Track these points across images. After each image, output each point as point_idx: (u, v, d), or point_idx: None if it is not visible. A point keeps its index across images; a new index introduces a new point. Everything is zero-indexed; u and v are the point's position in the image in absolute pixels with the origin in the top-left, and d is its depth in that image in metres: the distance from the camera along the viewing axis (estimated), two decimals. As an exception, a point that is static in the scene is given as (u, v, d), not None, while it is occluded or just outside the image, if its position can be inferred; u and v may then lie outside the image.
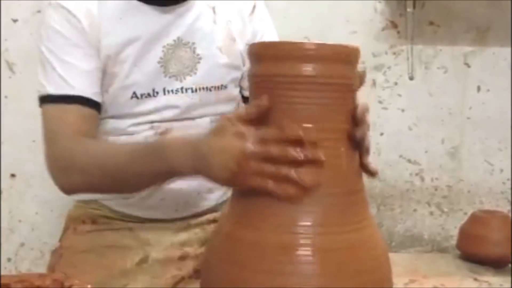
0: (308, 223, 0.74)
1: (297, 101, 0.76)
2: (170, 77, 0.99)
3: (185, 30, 0.99)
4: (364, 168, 0.77)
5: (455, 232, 1.53)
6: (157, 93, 0.98)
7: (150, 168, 0.79)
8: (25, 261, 1.58)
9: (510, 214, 1.51)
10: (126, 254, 1.01)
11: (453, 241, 1.56)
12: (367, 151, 0.77)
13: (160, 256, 1.02)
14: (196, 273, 1.01)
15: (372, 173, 0.77)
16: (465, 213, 1.58)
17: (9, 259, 1.57)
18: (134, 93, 0.97)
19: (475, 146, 1.66)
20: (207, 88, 1.01)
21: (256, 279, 0.73)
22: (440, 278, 1.29)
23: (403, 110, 1.65)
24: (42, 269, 1.38)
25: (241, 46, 1.02)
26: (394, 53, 1.62)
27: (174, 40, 0.98)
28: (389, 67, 1.63)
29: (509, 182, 1.66)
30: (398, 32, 1.61)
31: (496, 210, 1.50)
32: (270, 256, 0.73)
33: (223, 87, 1.02)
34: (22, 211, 1.56)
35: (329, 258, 0.73)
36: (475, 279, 1.30)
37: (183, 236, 1.04)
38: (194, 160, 0.73)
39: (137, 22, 0.97)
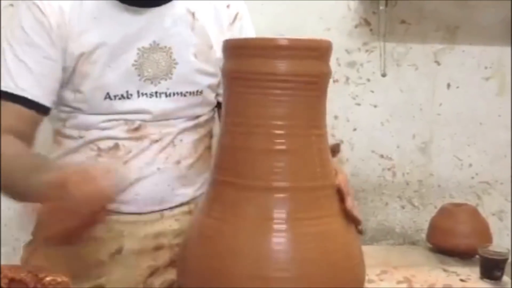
0: (282, 216, 0.76)
1: (270, 98, 0.77)
2: (145, 80, 0.98)
3: (161, 34, 0.99)
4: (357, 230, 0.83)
5: (426, 226, 1.56)
6: (131, 95, 0.98)
7: (24, 183, 0.86)
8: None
9: (477, 207, 1.54)
10: (100, 245, 1.01)
11: (424, 234, 1.59)
12: (359, 221, 0.82)
13: (134, 247, 1.02)
14: (172, 263, 1.01)
15: (361, 233, 0.85)
16: (436, 207, 1.61)
17: (-19, 255, 1.55)
18: (108, 94, 0.97)
19: (445, 142, 1.70)
20: (181, 93, 1.01)
21: (231, 269, 0.75)
22: (410, 269, 1.32)
23: (375, 106, 1.68)
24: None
25: (218, 54, 1.01)
26: (367, 50, 1.65)
27: (150, 44, 0.98)
28: (361, 64, 1.65)
29: (478, 176, 1.71)
30: (371, 30, 1.64)
31: (464, 203, 1.54)
32: (243, 247, 0.75)
33: (198, 92, 1.03)
34: (-5, 206, 1.54)
35: (302, 247, 0.75)
36: (444, 270, 1.34)
37: (157, 227, 1.04)
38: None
39: (112, 22, 0.96)
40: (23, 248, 1.09)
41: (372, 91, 1.67)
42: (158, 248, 1.04)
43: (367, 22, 1.64)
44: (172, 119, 1.02)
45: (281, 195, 0.76)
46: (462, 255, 1.41)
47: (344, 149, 1.67)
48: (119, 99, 0.98)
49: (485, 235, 1.44)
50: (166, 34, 0.99)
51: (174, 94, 1.01)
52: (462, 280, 1.28)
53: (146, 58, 0.98)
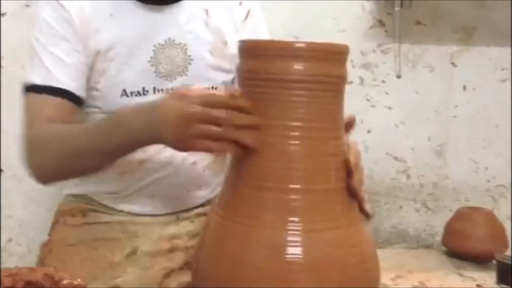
0: (296, 219, 0.75)
1: (286, 100, 0.77)
2: (160, 76, 0.99)
3: (176, 30, 1.00)
4: (362, 212, 0.80)
5: (440, 229, 1.55)
6: (147, 91, 0.99)
7: (113, 141, 0.84)
8: (12, 257, 1.57)
9: (494, 211, 1.53)
10: (115, 246, 1.01)
11: (438, 238, 1.58)
12: (363, 198, 0.80)
13: (149, 248, 1.02)
14: (187, 265, 1.01)
15: (368, 217, 0.81)
16: (450, 210, 1.60)
17: (-4, 255, 1.56)
18: (124, 90, 0.98)
19: (460, 144, 1.68)
20: None
21: (246, 274, 0.74)
22: (425, 273, 1.31)
23: (390, 108, 1.66)
24: (30, 265, 1.37)
25: (232, 50, 1.01)
26: (382, 52, 1.64)
27: (165, 40, 0.99)
28: (376, 66, 1.64)
29: (494, 179, 1.69)
30: (386, 31, 1.62)
31: (481, 207, 1.53)
32: (258, 251, 0.74)
33: (213, 89, 1.03)
34: (10, 206, 1.55)
35: (317, 253, 0.75)
36: (460, 275, 1.33)
37: (172, 229, 1.04)
38: (148, 124, 0.78)
39: (128, 20, 0.97)
40: (40, 248, 1.09)
41: (387, 93, 1.66)
42: (172, 250, 1.04)
43: (382, 23, 1.63)
44: None
45: (296, 197, 0.76)
46: (478, 260, 1.40)
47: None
48: (136, 95, 0.98)
49: (502, 239, 1.42)
50: (181, 31, 1.00)
51: None
52: (478, 286, 1.26)
53: (162, 54, 0.98)
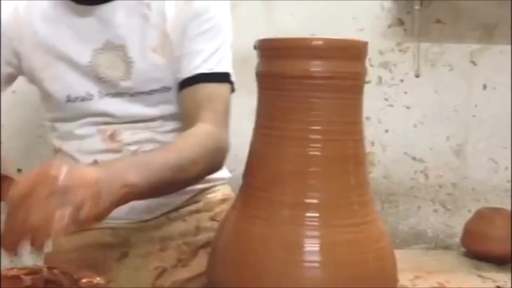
0: (315, 217, 0.75)
1: (305, 100, 0.75)
2: (104, 81, 0.95)
3: (114, 32, 0.94)
4: None
5: (459, 230, 1.53)
6: (92, 95, 0.96)
7: None
8: (24, 256, 1.58)
9: (514, 212, 1.50)
10: (107, 251, 1.00)
11: (457, 239, 1.56)
12: None
13: (140, 250, 1.01)
14: (180, 263, 1.01)
15: None
16: (469, 211, 1.58)
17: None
18: (68, 96, 0.96)
19: (480, 144, 1.66)
20: (146, 92, 0.95)
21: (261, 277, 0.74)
22: (444, 275, 1.29)
23: (408, 108, 1.65)
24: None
25: (175, 41, 0.94)
26: (401, 51, 1.62)
27: (103, 44, 0.94)
28: (395, 64, 1.63)
29: (514, 180, 1.67)
30: (405, 30, 1.61)
31: (501, 208, 1.51)
32: (274, 252, 0.74)
33: (166, 89, 0.96)
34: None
35: (334, 252, 0.74)
36: (479, 276, 1.31)
37: (164, 231, 1.02)
38: None
39: (63, 24, 0.94)
40: (44, 256, 1.10)
41: (405, 92, 1.64)
42: (164, 248, 1.02)
43: (401, 22, 1.61)
44: (146, 121, 0.98)
45: (314, 201, 0.75)
46: (498, 261, 1.38)
47: (376, 151, 1.65)
48: (81, 100, 0.96)
49: (522, 241, 1.40)
50: (119, 31, 0.94)
51: (138, 94, 0.96)
52: (498, 287, 1.24)
53: (102, 59, 0.94)
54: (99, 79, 0.95)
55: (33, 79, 0.99)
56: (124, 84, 0.95)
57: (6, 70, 0.98)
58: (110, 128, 0.98)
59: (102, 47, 0.94)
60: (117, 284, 0.97)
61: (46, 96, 0.99)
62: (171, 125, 1.00)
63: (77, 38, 0.95)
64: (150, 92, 0.96)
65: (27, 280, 0.68)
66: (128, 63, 0.94)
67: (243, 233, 0.78)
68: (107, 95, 0.96)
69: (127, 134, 0.98)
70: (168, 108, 0.98)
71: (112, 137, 0.98)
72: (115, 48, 0.94)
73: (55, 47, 0.95)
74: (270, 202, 0.76)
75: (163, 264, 1.01)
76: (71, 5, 0.94)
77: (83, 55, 0.95)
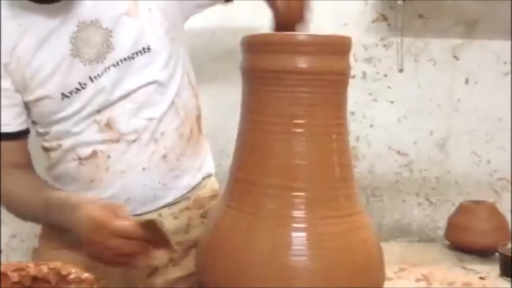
0: (301, 209, 0.75)
1: (290, 95, 0.76)
2: (90, 63, 0.95)
3: (85, 11, 0.94)
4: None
5: (443, 223, 1.55)
6: (85, 84, 0.95)
7: (48, 219, 0.97)
8: (16, 253, 1.57)
9: (496, 205, 1.53)
10: None
11: (441, 232, 1.58)
12: None
13: None
14: (172, 261, 1.01)
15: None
16: (453, 204, 1.60)
17: None
18: (63, 94, 0.95)
19: (462, 138, 1.68)
20: (128, 57, 0.96)
21: (248, 268, 0.75)
22: (428, 267, 1.31)
23: (392, 102, 1.66)
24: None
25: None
26: (384, 46, 1.63)
27: (77, 26, 0.94)
28: (379, 60, 1.64)
29: (496, 173, 1.69)
30: (389, 25, 1.62)
31: (484, 201, 1.53)
32: (261, 246, 0.75)
33: (146, 49, 0.97)
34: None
35: (320, 243, 0.75)
36: (463, 268, 1.33)
37: None
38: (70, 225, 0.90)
39: (34, 23, 0.93)
40: (32, 252, 1.10)
41: (389, 87, 1.66)
42: None
43: (385, 17, 1.62)
44: (136, 91, 0.97)
45: (301, 193, 0.76)
46: (481, 253, 1.40)
47: (361, 145, 1.66)
48: (75, 93, 0.95)
49: (504, 233, 1.42)
50: (90, 8, 0.94)
51: (122, 61, 0.96)
52: (481, 278, 1.26)
53: (80, 39, 0.94)
54: (86, 64, 0.94)
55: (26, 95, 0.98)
56: (109, 56, 0.95)
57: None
58: (105, 115, 0.97)
59: (77, 29, 0.94)
60: (108, 282, 0.96)
61: (40, 100, 0.97)
62: (165, 107, 1.00)
63: (51, 31, 0.93)
64: (132, 57, 0.96)
65: (14, 276, 0.67)
66: (106, 35, 0.95)
67: (230, 228, 0.78)
68: (96, 76, 0.95)
69: (123, 120, 0.97)
70: (153, 74, 0.98)
71: (108, 125, 0.97)
72: (90, 25, 0.94)
73: (38, 50, 0.94)
74: (257, 195, 0.77)
75: (154, 262, 0.99)
76: (38, 7, 0.93)
77: (64, 46, 0.94)
